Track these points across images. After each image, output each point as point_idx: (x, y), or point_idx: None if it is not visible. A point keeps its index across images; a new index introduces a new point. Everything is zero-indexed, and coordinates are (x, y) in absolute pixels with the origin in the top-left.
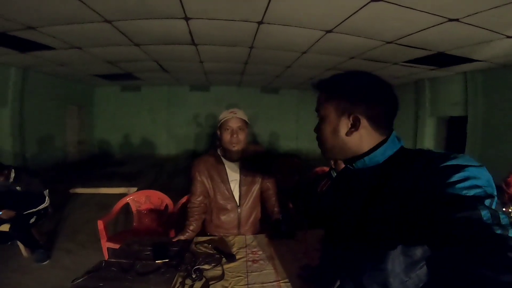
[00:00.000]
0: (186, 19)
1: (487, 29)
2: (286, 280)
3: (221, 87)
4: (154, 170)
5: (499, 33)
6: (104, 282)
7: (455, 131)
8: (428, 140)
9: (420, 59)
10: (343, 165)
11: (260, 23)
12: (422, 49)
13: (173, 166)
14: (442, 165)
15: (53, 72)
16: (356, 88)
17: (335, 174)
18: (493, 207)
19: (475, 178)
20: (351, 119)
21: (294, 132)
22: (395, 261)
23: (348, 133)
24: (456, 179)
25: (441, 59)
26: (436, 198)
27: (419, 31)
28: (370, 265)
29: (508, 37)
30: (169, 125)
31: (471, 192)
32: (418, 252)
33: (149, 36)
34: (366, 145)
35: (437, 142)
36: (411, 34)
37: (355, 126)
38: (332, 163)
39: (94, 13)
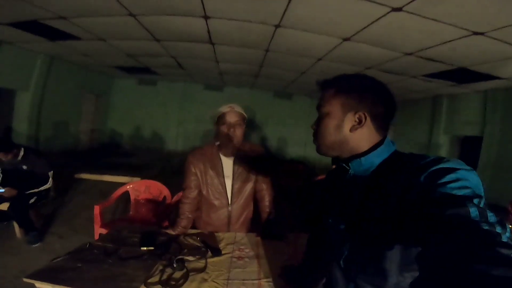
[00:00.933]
0: (206, 17)
1: None
2: (269, 279)
3: (235, 88)
4: (160, 163)
5: None
6: (83, 263)
7: (468, 151)
8: None
9: (440, 73)
10: None
11: (277, 26)
12: (443, 63)
13: (179, 162)
14: (435, 167)
15: (76, 61)
16: (364, 87)
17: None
18: (481, 206)
19: (465, 180)
20: (357, 116)
21: (303, 139)
22: (393, 261)
23: (352, 129)
24: (447, 180)
25: (462, 75)
26: (428, 197)
27: (441, 44)
28: (367, 265)
29: None
30: (180, 121)
31: (461, 192)
32: (414, 251)
33: (169, 32)
34: (366, 144)
35: None
36: (432, 46)
37: (360, 123)
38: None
39: (121, 7)
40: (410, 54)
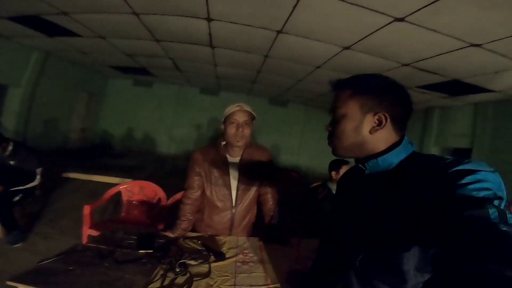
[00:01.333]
0: (209, 20)
1: (508, 57)
2: (277, 285)
3: (231, 93)
4: (152, 166)
5: None
6: (75, 266)
7: None
8: None
9: (434, 85)
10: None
11: (279, 32)
12: (438, 74)
13: (171, 165)
14: (455, 168)
15: (72, 59)
16: (382, 87)
17: (332, 183)
18: (502, 207)
19: (486, 181)
20: (377, 117)
21: (296, 148)
22: (411, 262)
23: (371, 131)
24: (467, 181)
25: (455, 87)
26: (447, 198)
27: (438, 55)
28: (384, 266)
29: None
30: (174, 124)
31: (481, 194)
32: (431, 251)
33: (170, 33)
34: (384, 145)
35: None
36: (429, 57)
37: (380, 125)
38: (334, 174)
39: (125, 4)
40: (407, 65)
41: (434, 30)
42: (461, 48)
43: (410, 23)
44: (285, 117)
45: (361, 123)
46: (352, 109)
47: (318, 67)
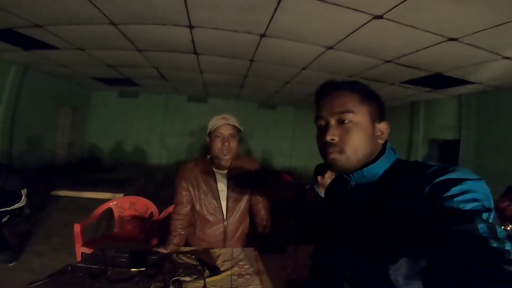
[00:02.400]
0: (190, 27)
1: (484, 49)
2: None
3: (219, 99)
4: (143, 178)
5: (496, 53)
6: (66, 286)
7: (447, 155)
8: None
9: (417, 80)
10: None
11: (262, 36)
12: (420, 69)
13: (163, 176)
14: (441, 178)
15: (53, 72)
16: (378, 96)
17: (318, 187)
18: (490, 220)
19: (473, 191)
20: (382, 126)
21: (288, 150)
22: (399, 272)
23: (380, 140)
24: (454, 193)
25: (437, 81)
26: (435, 211)
27: (418, 50)
28: (375, 277)
29: (505, 57)
30: (163, 134)
31: (469, 206)
32: (421, 263)
33: (152, 42)
34: (375, 154)
35: None
36: (410, 53)
37: (382, 134)
38: (320, 178)
39: (102, 15)
40: (390, 61)
41: (413, 26)
42: (439, 43)
43: (389, 20)
44: (275, 120)
45: (373, 132)
46: (364, 116)
47: (304, 69)
